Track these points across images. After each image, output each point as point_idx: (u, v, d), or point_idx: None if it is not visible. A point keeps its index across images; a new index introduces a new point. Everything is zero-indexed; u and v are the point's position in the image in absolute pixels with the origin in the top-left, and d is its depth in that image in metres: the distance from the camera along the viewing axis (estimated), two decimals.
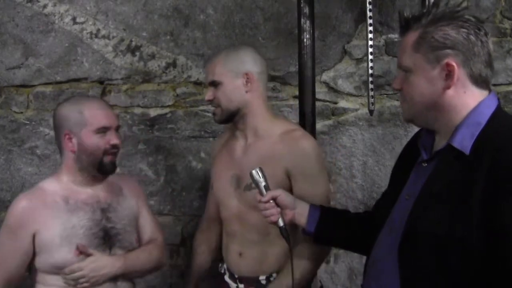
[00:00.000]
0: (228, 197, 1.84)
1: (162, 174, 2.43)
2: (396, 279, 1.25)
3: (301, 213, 1.55)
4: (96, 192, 1.77)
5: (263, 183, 1.54)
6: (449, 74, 1.22)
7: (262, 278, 1.81)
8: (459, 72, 1.22)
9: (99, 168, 1.73)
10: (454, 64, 1.21)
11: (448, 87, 1.23)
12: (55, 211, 1.69)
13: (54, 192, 1.73)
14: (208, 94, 1.83)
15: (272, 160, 1.74)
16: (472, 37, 1.21)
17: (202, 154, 2.44)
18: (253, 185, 1.59)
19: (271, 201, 1.53)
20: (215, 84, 1.81)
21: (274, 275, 1.80)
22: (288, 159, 1.74)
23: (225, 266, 1.93)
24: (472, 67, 1.22)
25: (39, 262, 1.70)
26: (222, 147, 1.95)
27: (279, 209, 1.53)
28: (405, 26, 1.29)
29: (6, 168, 2.37)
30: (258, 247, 1.81)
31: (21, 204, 1.71)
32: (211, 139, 2.43)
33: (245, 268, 1.84)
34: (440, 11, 1.25)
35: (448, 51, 1.22)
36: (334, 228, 1.57)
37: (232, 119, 1.84)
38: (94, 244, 1.70)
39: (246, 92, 1.81)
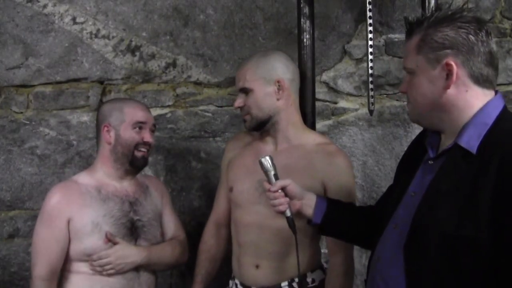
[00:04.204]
0: (253, 201, 1.81)
1: (162, 174, 2.42)
2: (402, 275, 1.26)
3: (308, 204, 1.55)
4: (125, 186, 1.90)
5: (272, 172, 1.53)
6: (449, 74, 1.24)
7: (284, 284, 1.79)
8: (459, 72, 1.24)
9: (131, 161, 1.87)
10: (453, 63, 1.23)
11: (448, 87, 1.25)
12: (88, 200, 1.82)
13: (87, 183, 1.86)
14: (238, 101, 1.81)
15: (308, 170, 1.76)
16: (472, 37, 1.23)
17: (202, 154, 2.44)
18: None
19: (280, 190, 1.52)
20: (245, 91, 1.78)
21: (297, 279, 1.78)
22: (325, 173, 1.76)
23: (236, 281, 1.88)
24: (472, 67, 1.24)
25: (71, 249, 1.80)
26: (243, 149, 1.91)
27: (287, 199, 1.53)
28: (410, 30, 1.32)
29: (6, 168, 2.37)
30: (277, 257, 1.79)
31: (56, 194, 1.83)
32: (211, 139, 2.43)
33: (264, 279, 1.80)
34: (441, 14, 1.28)
35: (448, 51, 1.24)
36: (340, 220, 1.57)
37: (263, 126, 1.81)
38: (122, 233, 1.82)
39: (278, 99, 1.79)
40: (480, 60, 1.24)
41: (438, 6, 1.32)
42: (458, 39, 1.23)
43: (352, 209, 1.64)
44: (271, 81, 1.78)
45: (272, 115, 1.79)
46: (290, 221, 1.54)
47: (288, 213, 1.53)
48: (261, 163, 1.54)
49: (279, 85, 1.78)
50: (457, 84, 1.25)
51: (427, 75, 1.27)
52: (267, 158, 1.54)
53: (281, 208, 1.53)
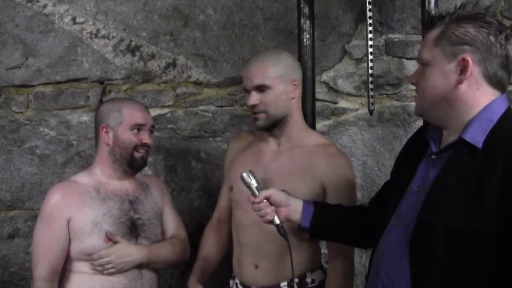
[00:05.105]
0: None
1: (162, 174, 2.43)
2: (406, 270, 1.27)
3: (295, 210, 1.56)
4: (125, 185, 1.90)
5: (254, 185, 1.54)
6: (463, 69, 1.26)
7: (284, 284, 1.79)
8: (474, 69, 1.25)
9: (130, 162, 1.87)
10: (469, 59, 1.25)
11: (461, 82, 1.26)
12: (87, 200, 1.82)
13: (86, 183, 1.86)
14: (253, 98, 1.76)
15: (308, 170, 1.75)
16: (492, 38, 1.25)
17: (202, 154, 2.44)
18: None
19: (265, 200, 1.53)
20: (262, 88, 1.75)
21: (296, 280, 1.78)
22: (325, 174, 1.76)
23: (236, 281, 1.88)
24: (488, 66, 1.26)
25: (71, 249, 1.80)
26: (244, 149, 1.91)
27: (273, 208, 1.54)
28: (430, 23, 1.33)
29: (6, 168, 2.37)
30: (276, 257, 1.78)
31: (55, 194, 1.83)
32: (211, 139, 2.43)
33: (263, 279, 1.80)
34: (465, 12, 1.30)
35: (466, 47, 1.25)
36: (329, 222, 1.58)
37: (276, 126, 1.79)
38: (122, 232, 1.82)
39: (293, 98, 1.78)
40: (496, 62, 1.26)
41: (461, 5, 1.34)
42: (478, 37, 1.25)
43: (341, 210, 1.63)
44: (288, 80, 1.77)
45: (286, 114, 1.78)
46: (280, 229, 1.54)
47: (277, 221, 1.54)
48: (242, 178, 1.54)
49: (294, 84, 1.78)
50: (469, 80, 1.26)
51: (441, 68, 1.28)
52: (248, 172, 1.54)
53: (268, 217, 1.53)
